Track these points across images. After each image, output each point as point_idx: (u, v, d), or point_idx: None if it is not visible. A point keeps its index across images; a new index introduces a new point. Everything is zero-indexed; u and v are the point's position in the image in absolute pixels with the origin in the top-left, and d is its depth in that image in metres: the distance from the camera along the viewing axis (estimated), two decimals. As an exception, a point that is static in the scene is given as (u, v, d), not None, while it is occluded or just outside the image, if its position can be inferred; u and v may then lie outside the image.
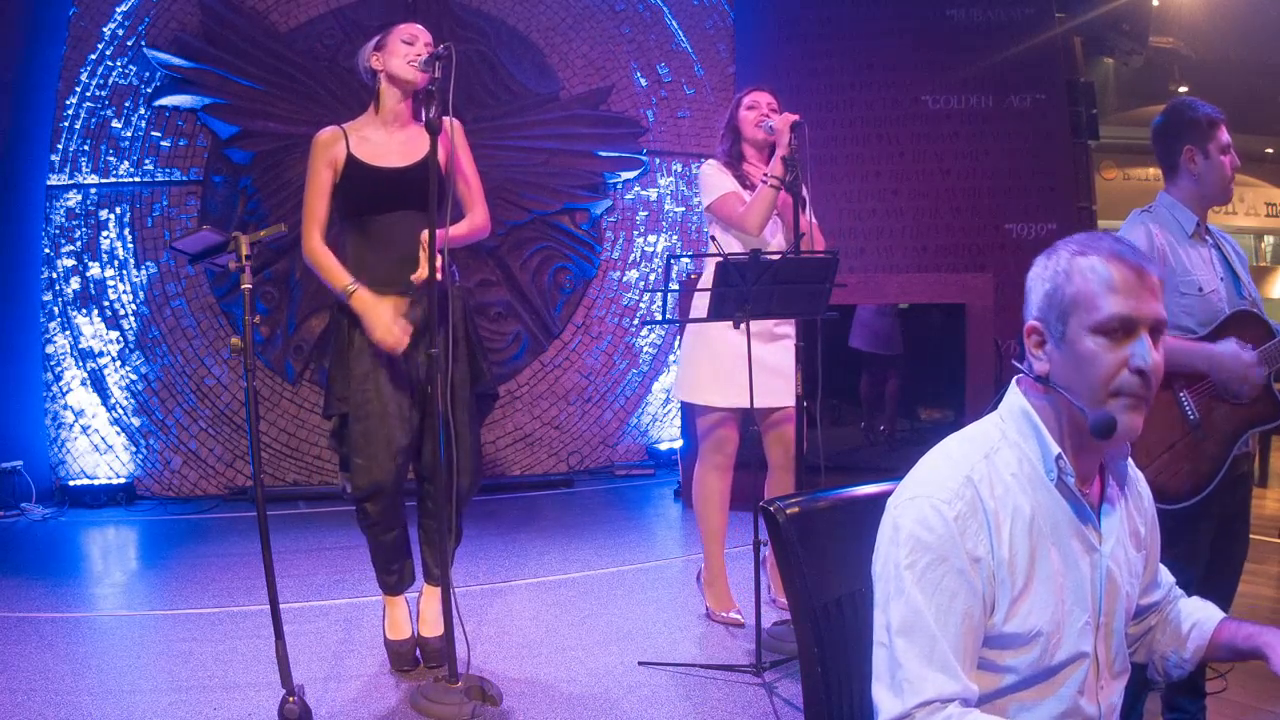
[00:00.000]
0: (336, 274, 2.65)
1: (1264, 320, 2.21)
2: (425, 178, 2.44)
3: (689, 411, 5.21)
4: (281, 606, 2.41)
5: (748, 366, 2.93)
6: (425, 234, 2.51)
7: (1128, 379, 1.15)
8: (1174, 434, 2.19)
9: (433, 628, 2.82)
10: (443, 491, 2.58)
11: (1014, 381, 1.29)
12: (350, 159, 2.67)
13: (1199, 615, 1.38)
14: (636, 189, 6.31)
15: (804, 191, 3.16)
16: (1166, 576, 1.43)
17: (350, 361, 2.68)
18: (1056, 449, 1.20)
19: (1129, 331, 1.15)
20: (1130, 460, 1.32)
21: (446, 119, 2.64)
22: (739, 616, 3.24)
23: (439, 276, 2.51)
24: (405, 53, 2.64)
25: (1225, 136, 2.27)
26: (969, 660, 1.16)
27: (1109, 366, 1.15)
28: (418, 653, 2.89)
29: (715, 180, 3.21)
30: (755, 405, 3.04)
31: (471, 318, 2.88)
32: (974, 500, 1.17)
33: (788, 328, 3.15)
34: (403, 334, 2.60)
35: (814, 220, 3.29)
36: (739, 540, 3.39)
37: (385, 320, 2.59)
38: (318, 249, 2.69)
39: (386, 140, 2.71)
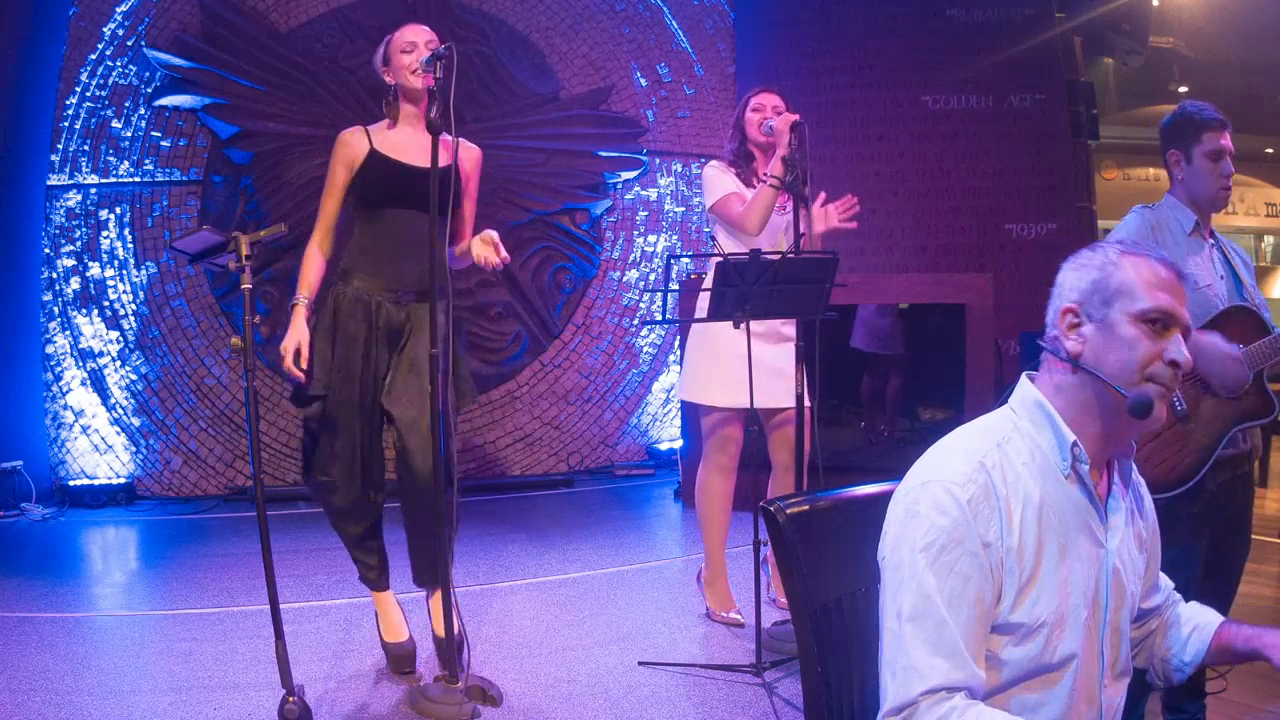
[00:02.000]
0: (303, 279, 2.72)
1: (1260, 318, 2.21)
2: (442, 182, 2.46)
3: (690, 411, 5.23)
4: (281, 606, 2.42)
5: (748, 367, 2.94)
6: (486, 232, 2.67)
7: (1161, 368, 1.20)
8: (1161, 423, 2.19)
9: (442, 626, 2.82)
10: (441, 490, 2.58)
11: (1023, 376, 1.31)
12: (372, 153, 2.70)
13: (1199, 620, 1.38)
14: (636, 189, 6.31)
15: (807, 192, 3.17)
16: (1166, 581, 1.44)
17: (333, 346, 2.69)
18: (1072, 436, 1.22)
19: (1167, 326, 1.21)
20: (1134, 464, 1.33)
21: (472, 146, 2.79)
22: (739, 616, 3.24)
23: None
24: (407, 63, 2.67)
25: (1215, 142, 2.26)
26: (978, 647, 1.16)
27: (1145, 353, 1.20)
28: (417, 654, 2.88)
29: (717, 181, 3.22)
30: (760, 406, 3.05)
31: (457, 332, 2.88)
32: (987, 485, 1.19)
33: (792, 329, 3.15)
34: (292, 363, 2.62)
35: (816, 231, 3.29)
36: (739, 540, 3.39)
37: (295, 339, 2.63)
38: (310, 248, 2.75)
39: (409, 139, 2.74)
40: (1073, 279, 1.27)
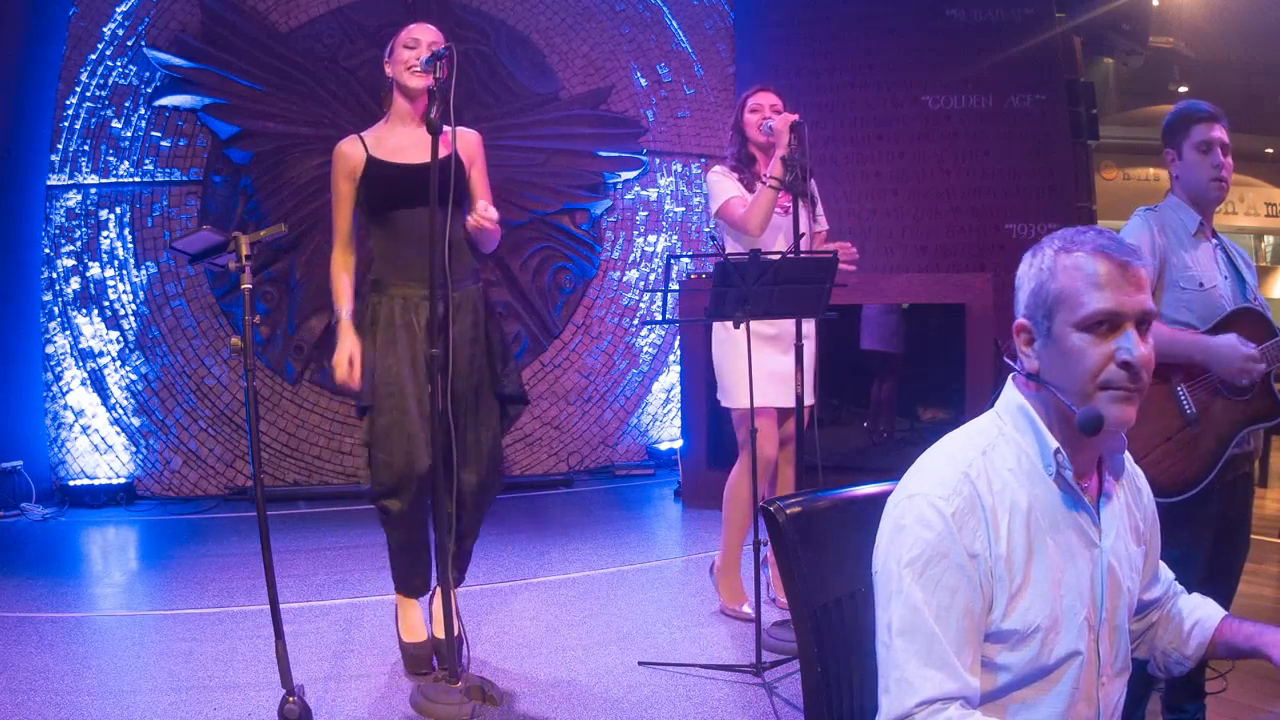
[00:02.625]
0: (338, 298, 2.74)
1: (1267, 318, 2.21)
2: (444, 175, 2.47)
3: (692, 412, 5.24)
4: (281, 606, 2.41)
5: (748, 367, 2.94)
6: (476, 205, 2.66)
7: (1115, 372, 1.16)
8: (1170, 427, 2.19)
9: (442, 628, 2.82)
10: (442, 490, 2.58)
11: (1010, 378, 1.30)
12: (370, 160, 2.70)
13: (1200, 614, 1.38)
14: (636, 189, 6.31)
15: (814, 191, 3.19)
16: (1167, 573, 1.43)
17: (375, 357, 2.70)
18: (1054, 443, 1.21)
19: (1115, 326, 1.16)
20: (1128, 455, 1.32)
21: (467, 130, 2.79)
22: (750, 611, 3.24)
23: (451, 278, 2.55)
24: (407, 59, 2.68)
25: (1203, 134, 2.25)
26: (971, 657, 1.16)
27: (1095, 361, 1.16)
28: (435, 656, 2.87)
29: (719, 186, 3.23)
30: (778, 405, 3.13)
31: (494, 319, 2.89)
32: (972, 497, 1.18)
33: (808, 329, 3.17)
34: (346, 375, 2.66)
35: (826, 227, 3.31)
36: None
37: (345, 351, 2.67)
38: (335, 266, 2.77)
39: (404, 138, 2.74)
40: (1019, 290, 1.24)
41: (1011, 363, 1.28)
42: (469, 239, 2.79)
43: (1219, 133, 2.26)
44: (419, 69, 2.63)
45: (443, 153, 2.51)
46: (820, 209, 3.33)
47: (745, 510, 3.28)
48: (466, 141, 2.80)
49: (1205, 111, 2.27)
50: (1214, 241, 2.32)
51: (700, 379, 5.00)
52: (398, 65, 2.70)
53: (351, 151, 2.72)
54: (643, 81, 6.33)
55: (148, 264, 5.43)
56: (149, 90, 5.39)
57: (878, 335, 5.54)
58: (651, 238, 6.34)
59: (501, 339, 2.90)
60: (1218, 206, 2.35)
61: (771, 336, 3.16)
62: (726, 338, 3.23)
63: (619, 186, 6.27)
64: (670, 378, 6.29)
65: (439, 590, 2.85)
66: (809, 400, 3.16)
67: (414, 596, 2.89)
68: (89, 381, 5.39)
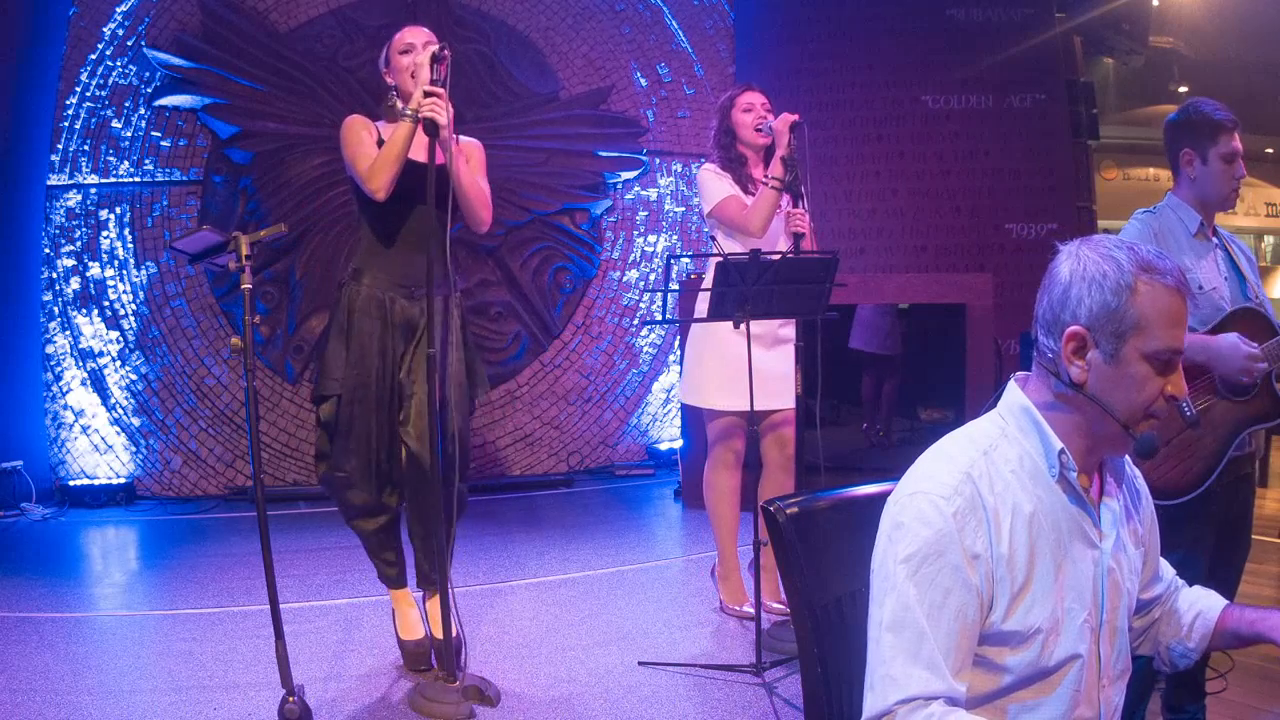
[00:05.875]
0: (395, 130, 2.58)
1: (1267, 318, 2.21)
2: (442, 177, 2.49)
3: (691, 412, 5.23)
4: (281, 606, 2.42)
5: (748, 369, 2.94)
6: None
7: (1162, 405, 1.19)
8: (1170, 430, 2.18)
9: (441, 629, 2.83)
10: (440, 491, 2.58)
11: (1011, 379, 1.29)
12: (380, 143, 2.71)
13: (1202, 605, 1.38)
14: (636, 189, 6.31)
15: (804, 190, 3.18)
16: (1168, 570, 1.43)
17: (348, 344, 2.71)
18: (1059, 444, 1.21)
19: (1172, 363, 1.19)
20: (1128, 458, 1.32)
21: (470, 140, 2.81)
22: (752, 610, 3.24)
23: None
24: (405, 64, 2.69)
25: (1229, 145, 2.24)
26: (959, 661, 1.15)
27: (1153, 392, 1.19)
28: (433, 653, 2.88)
29: (714, 185, 3.20)
30: (758, 408, 3.06)
31: (467, 326, 2.90)
32: (973, 497, 1.18)
33: (790, 330, 3.16)
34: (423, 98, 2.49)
35: (810, 224, 3.31)
36: (738, 540, 3.40)
37: (416, 96, 2.52)
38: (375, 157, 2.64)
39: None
40: (1083, 294, 1.18)
41: (1046, 366, 1.24)
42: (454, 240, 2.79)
43: (1239, 142, 2.25)
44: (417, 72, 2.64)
45: (443, 158, 2.51)
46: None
47: (729, 506, 3.30)
48: (469, 145, 2.83)
49: (1232, 120, 2.24)
50: (1214, 241, 2.30)
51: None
52: (399, 74, 2.70)
53: (371, 123, 2.73)
54: (643, 81, 6.32)
55: (148, 264, 5.43)
56: (149, 90, 5.39)
57: (875, 336, 5.54)
58: (651, 238, 6.34)
59: (474, 346, 2.94)
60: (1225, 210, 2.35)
61: (754, 336, 3.14)
62: (703, 335, 3.23)
63: (619, 186, 6.27)
64: (670, 378, 6.29)
65: (436, 591, 2.86)
66: (789, 403, 3.16)
67: (397, 587, 2.91)
68: (89, 381, 5.39)
